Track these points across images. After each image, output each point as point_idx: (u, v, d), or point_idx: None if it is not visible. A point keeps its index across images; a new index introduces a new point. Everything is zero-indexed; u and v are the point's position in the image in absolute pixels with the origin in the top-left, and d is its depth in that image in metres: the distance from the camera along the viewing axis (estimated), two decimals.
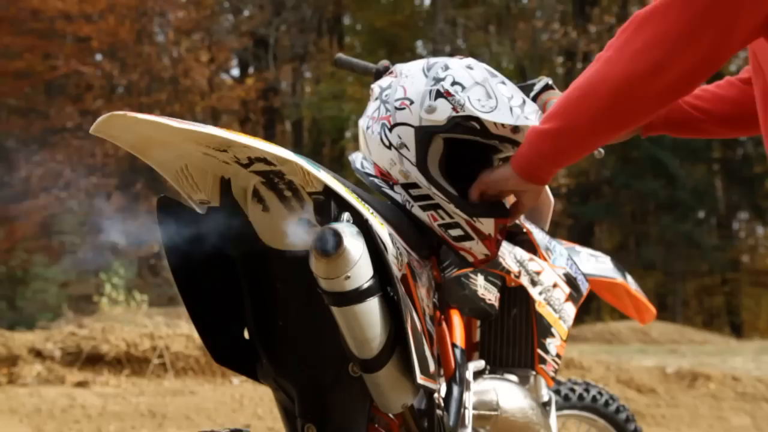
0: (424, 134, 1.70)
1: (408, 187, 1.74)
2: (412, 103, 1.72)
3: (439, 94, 1.70)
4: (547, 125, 1.56)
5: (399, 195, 1.75)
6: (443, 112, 1.69)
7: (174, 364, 6.53)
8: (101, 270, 13.72)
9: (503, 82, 1.75)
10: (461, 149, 1.75)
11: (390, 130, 1.74)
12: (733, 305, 23.95)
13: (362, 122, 1.84)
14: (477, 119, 1.68)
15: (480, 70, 1.75)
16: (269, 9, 22.18)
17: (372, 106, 1.81)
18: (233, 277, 1.66)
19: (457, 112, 1.69)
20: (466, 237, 1.76)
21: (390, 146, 1.73)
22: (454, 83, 1.71)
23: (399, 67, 1.83)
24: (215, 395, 6.09)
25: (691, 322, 20.48)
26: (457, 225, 1.75)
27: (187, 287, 1.62)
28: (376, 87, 1.83)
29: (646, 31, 1.41)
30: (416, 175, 1.72)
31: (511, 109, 1.70)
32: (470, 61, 1.80)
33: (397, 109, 1.74)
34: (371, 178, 1.78)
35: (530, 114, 1.72)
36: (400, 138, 1.72)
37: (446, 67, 1.75)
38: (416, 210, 1.75)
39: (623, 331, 13.74)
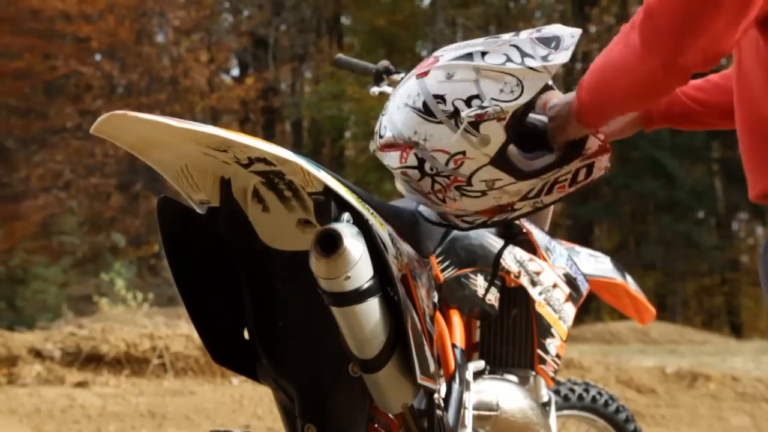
0: (501, 158, 1.58)
1: (525, 197, 1.68)
2: (464, 153, 1.58)
3: (474, 125, 1.55)
4: (585, 84, 1.54)
5: (525, 206, 1.71)
6: (496, 132, 1.55)
7: (174, 365, 6.53)
8: (101, 270, 13.73)
9: (485, 52, 1.59)
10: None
11: (469, 184, 1.61)
12: (732, 305, 23.95)
13: (426, 210, 1.78)
14: (524, 105, 1.56)
15: (461, 69, 1.59)
16: (269, 9, 22.19)
17: (425, 186, 1.65)
18: (233, 277, 1.66)
19: (505, 119, 1.55)
20: (591, 168, 1.70)
21: (483, 192, 1.64)
22: (470, 103, 1.56)
23: (403, 136, 1.63)
24: (215, 395, 6.09)
25: (690, 322, 20.48)
26: (579, 169, 1.69)
27: (187, 287, 1.62)
28: (410, 171, 1.63)
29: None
30: (523, 185, 1.65)
31: (531, 69, 1.55)
32: (437, 68, 1.62)
33: (456, 168, 1.60)
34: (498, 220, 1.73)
35: (543, 53, 1.55)
36: (484, 181, 1.62)
37: (442, 99, 1.58)
38: (547, 198, 1.70)
39: (623, 331, 13.74)
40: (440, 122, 1.58)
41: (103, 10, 19.37)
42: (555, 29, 1.59)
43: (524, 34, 1.59)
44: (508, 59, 1.55)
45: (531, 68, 1.54)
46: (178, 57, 20.90)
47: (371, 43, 23.16)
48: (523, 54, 1.55)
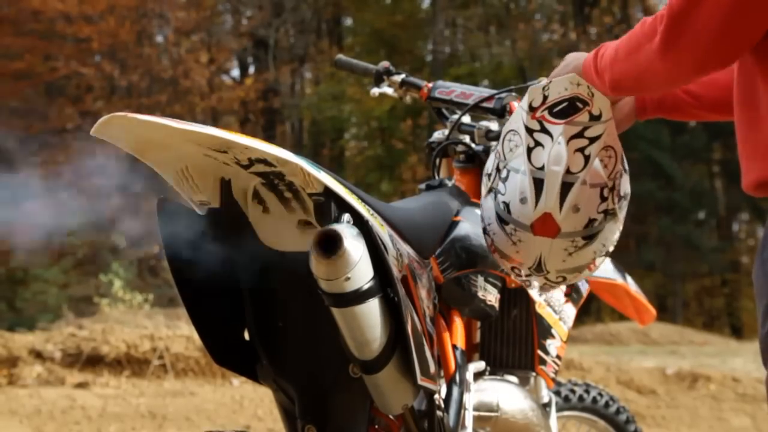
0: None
1: None
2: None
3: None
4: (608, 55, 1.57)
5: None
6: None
7: (174, 366, 6.53)
8: (102, 271, 13.72)
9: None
10: None
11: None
12: (733, 306, 23.93)
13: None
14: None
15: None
16: (269, 10, 22.18)
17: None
18: (233, 278, 1.66)
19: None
20: None
21: None
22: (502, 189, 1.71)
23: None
24: (215, 396, 6.09)
25: (691, 323, 20.45)
26: None
27: (187, 288, 1.62)
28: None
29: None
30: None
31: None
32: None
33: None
34: None
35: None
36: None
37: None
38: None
39: (623, 332, 13.72)
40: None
41: (104, 11, 19.36)
42: None
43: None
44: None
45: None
46: (178, 58, 20.89)
47: (371, 44, 23.15)
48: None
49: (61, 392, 5.95)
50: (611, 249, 1.76)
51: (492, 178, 1.73)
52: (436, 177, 2.36)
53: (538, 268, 1.72)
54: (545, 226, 1.65)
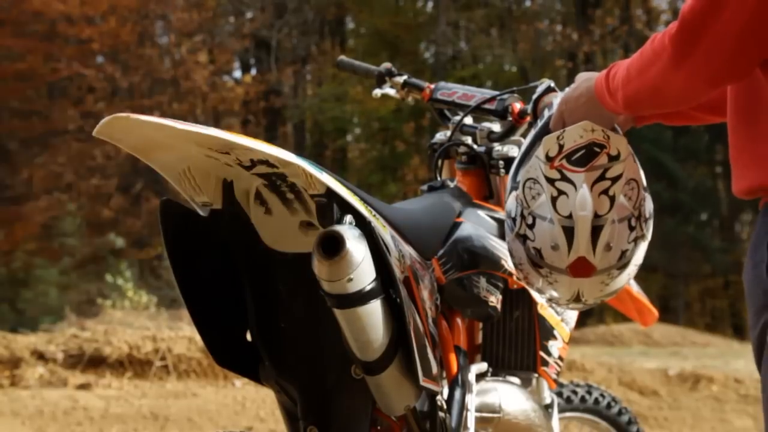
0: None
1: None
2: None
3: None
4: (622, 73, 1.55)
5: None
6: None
7: (176, 367, 6.53)
8: (104, 272, 13.73)
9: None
10: None
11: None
12: (736, 307, 23.89)
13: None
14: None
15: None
16: (271, 11, 22.19)
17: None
18: (235, 280, 1.66)
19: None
20: None
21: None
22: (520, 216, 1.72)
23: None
24: (217, 397, 6.09)
25: (693, 324, 20.42)
26: None
27: (190, 289, 1.62)
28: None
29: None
30: None
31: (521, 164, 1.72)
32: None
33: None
34: None
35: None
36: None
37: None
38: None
39: (625, 333, 13.70)
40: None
41: (105, 12, 19.40)
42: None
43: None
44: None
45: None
46: (180, 59, 20.91)
47: (374, 45, 23.14)
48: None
49: (63, 393, 5.94)
50: (641, 263, 1.77)
51: (517, 224, 1.71)
52: (438, 178, 2.36)
53: (576, 300, 1.75)
54: (581, 268, 1.67)
